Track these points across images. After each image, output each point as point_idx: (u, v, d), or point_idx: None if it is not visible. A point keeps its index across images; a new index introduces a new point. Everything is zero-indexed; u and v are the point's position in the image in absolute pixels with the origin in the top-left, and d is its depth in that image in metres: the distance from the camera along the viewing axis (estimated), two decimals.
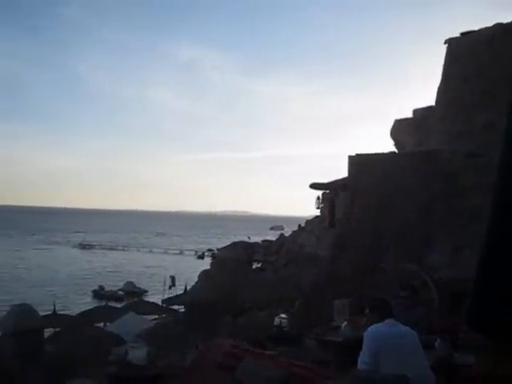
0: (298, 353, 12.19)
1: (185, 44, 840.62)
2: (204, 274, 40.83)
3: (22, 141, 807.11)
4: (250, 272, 44.30)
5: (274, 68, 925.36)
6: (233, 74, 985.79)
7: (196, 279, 41.60)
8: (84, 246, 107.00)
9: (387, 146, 33.62)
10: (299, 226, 54.33)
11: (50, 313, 28.18)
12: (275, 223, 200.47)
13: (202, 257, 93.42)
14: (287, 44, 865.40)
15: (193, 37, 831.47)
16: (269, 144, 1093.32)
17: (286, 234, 69.54)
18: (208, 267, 51.74)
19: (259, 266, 59.14)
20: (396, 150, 28.32)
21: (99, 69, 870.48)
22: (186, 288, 38.81)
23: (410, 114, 28.56)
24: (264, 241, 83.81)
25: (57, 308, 28.58)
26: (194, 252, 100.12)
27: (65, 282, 60.48)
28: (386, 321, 6.39)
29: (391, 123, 30.17)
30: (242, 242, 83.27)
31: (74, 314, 29.99)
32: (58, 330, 24.47)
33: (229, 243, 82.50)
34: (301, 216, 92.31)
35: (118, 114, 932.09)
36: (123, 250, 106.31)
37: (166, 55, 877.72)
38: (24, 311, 18.94)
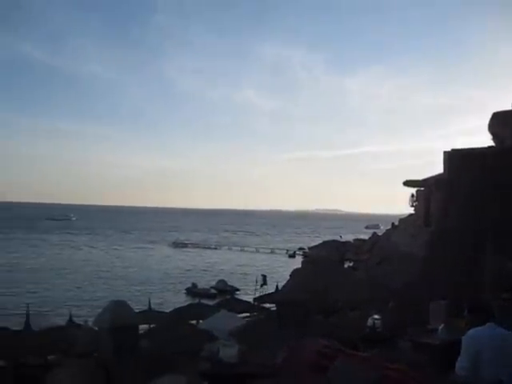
0: (391, 355, 11.79)
1: (272, 44, 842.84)
2: (295, 273, 40.74)
3: (117, 144, 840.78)
4: (342, 271, 43.70)
5: (362, 64, 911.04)
6: (321, 71, 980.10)
7: (287, 278, 41.56)
8: (177, 245, 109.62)
9: (484, 140, 32.15)
10: (392, 224, 53.04)
11: (145, 309, 28.94)
12: (368, 222, 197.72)
13: (293, 256, 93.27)
14: (374, 39, 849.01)
15: (280, 36, 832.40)
16: (360, 141, 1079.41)
17: (380, 233, 68.28)
18: (299, 266, 51.63)
19: (351, 265, 58.42)
20: (494, 144, 27.04)
21: (189, 72, 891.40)
22: (277, 287, 38.81)
23: (509, 107, 27.22)
24: (356, 240, 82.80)
25: (152, 305, 29.25)
26: (285, 251, 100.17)
27: (159, 279, 62.18)
28: (487, 324, 5.96)
29: (489, 116, 28.88)
30: (333, 241, 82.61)
31: (168, 311, 30.60)
32: (152, 326, 25.06)
33: (320, 242, 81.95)
34: (394, 214, 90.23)
35: (208, 116, 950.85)
36: (215, 248, 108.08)
37: (254, 56, 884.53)
38: (120, 308, 19.46)
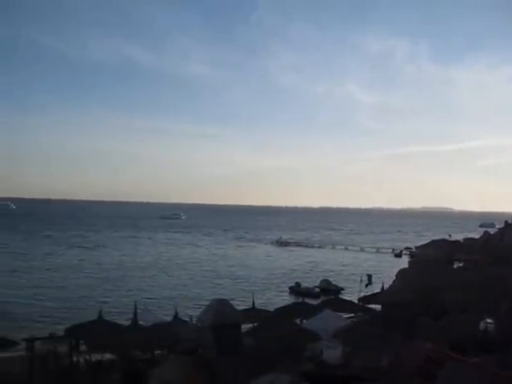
0: (504, 361, 10.98)
1: (374, 35, 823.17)
2: (402, 273, 39.59)
3: (220, 143, 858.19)
4: (451, 271, 41.96)
5: (469, 53, 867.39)
6: (425, 62, 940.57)
7: (393, 278, 40.45)
8: (280, 244, 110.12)
9: None
10: (506, 222, 50.43)
11: (248, 308, 29.05)
12: (482, 220, 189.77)
13: (399, 255, 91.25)
14: (479, 25, 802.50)
15: (382, 27, 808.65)
16: (469, 135, 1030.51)
17: (492, 232, 65.19)
18: (406, 266, 50.17)
19: (461, 265, 56.03)
20: None
21: (290, 68, 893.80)
22: (382, 287, 37.80)
23: None
24: (466, 239, 79.38)
25: (255, 304, 29.32)
26: (390, 250, 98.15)
27: (262, 278, 62.61)
28: None
29: None
30: (442, 240, 79.62)
31: (271, 310, 30.56)
32: (255, 324, 25.06)
33: (428, 241, 79.38)
34: (510, 212, 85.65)
35: (310, 111, 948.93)
36: (319, 247, 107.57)
37: (355, 48, 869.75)
38: (222, 306, 19.59)
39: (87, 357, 23.66)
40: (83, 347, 24.76)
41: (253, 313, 27.42)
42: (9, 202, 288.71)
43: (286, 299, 45.59)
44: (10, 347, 23.12)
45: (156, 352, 22.07)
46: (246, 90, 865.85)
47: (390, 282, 38.87)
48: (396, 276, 40.14)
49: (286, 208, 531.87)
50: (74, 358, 22.61)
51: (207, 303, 21.86)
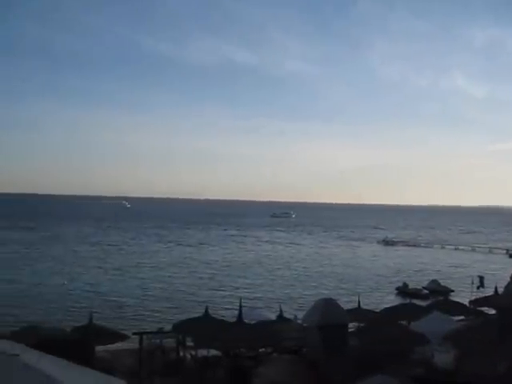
0: None
1: (482, 25, 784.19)
2: None
3: (320, 139, 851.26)
4: None
5: None
6: None
7: (507, 280, 38.35)
8: (387, 243, 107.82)
9: None
10: None
11: (354, 308, 28.51)
12: None
13: None
14: None
15: (490, 15, 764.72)
16: None
17: None
18: None
19: None
20: None
21: (393, 60, 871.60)
22: (496, 289, 35.96)
23: None
24: None
25: (361, 304, 28.73)
26: (504, 251, 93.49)
27: (368, 278, 61.46)
28: None
29: None
30: None
31: (378, 310, 29.85)
32: (362, 325, 24.51)
33: None
34: None
35: (413, 104, 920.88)
36: (426, 246, 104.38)
37: (462, 39, 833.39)
38: (329, 306, 19.31)
39: (193, 352, 24.13)
40: (190, 343, 25.30)
41: (358, 313, 26.84)
42: (124, 202, 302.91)
43: (393, 300, 44.44)
44: (121, 340, 24.03)
45: (261, 350, 22.08)
46: (345, 84, 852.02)
47: (504, 285, 36.88)
48: (511, 278, 37.97)
49: (390, 206, 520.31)
50: (181, 353, 23.11)
51: (311, 303, 21.63)
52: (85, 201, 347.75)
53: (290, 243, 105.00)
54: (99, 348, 23.48)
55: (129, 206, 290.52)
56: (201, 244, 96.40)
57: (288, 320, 26.49)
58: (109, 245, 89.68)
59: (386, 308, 30.10)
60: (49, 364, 5.19)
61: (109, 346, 24.40)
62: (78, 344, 19.71)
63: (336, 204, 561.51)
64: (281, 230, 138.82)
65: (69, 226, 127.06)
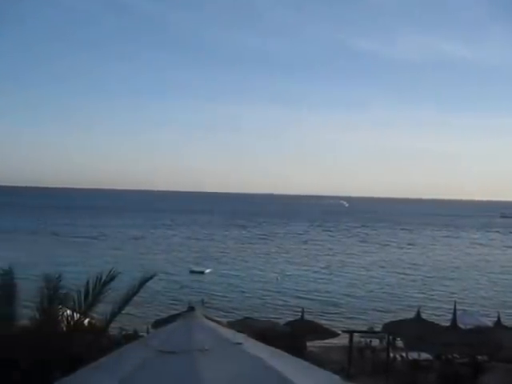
0: None
1: None
2: None
3: None
4: None
5: None
6: None
7: None
8: None
9: None
10: None
11: None
12: None
13: None
14: None
15: None
16: None
17: None
18: None
19: None
20: None
21: None
22: None
23: None
24: None
25: None
26: None
27: None
28: None
29: None
30: None
31: None
32: None
33: None
34: None
35: None
36: None
37: None
38: None
39: (403, 354, 23.75)
40: (400, 344, 24.96)
41: None
42: (341, 201, 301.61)
43: None
44: (332, 337, 24.55)
45: (478, 357, 20.97)
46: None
47: None
48: None
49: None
50: (391, 354, 22.86)
51: None
52: (308, 200, 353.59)
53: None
54: (309, 343, 24.22)
55: (347, 205, 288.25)
56: (409, 245, 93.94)
57: (506, 328, 24.86)
58: (317, 244, 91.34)
59: None
60: (269, 354, 5.49)
61: (319, 341, 25.10)
62: (290, 337, 20.50)
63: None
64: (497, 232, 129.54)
65: (283, 225, 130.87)
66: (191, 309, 5.86)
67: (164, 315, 28.51)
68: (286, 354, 5.90)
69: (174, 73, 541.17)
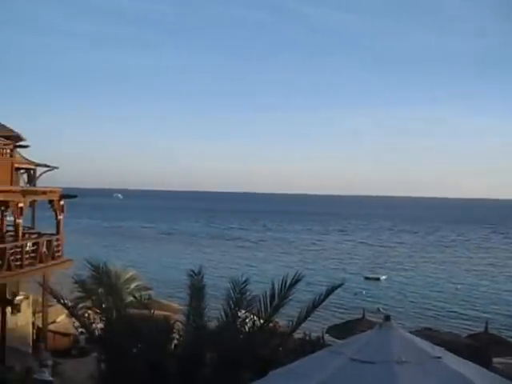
0: None
1: None
2: None
3: None
4: None
5: None
6: None
7: None
8: None
9: None
10: None
11: None
12: None
13: None
14: None
15: None
16: None
17: None
18: None
19: None
20: None
21: None
22: None
23: None
24: None
25: None
26: None
27: None
28: None
29: None
30: None
31: None
32: None
33: None
34: None
35: None
36: None
37: None
38: None
39: None
40: None
41: None
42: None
43: None
44: None
45: None
46: None
47: None
48: None
49: None
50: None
51: None
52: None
53: None
54: (494, 358, 22.68)
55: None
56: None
57: None
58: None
59: None
60: (469, 370, 5.20)
61: (504, 356, 23.44)
62: (473, 351, 19.40)
63: None
64: None
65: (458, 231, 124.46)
66: (387, 318, 5.69)
67: (336, 321, 28.52)
68: (486, 370, 5.56)
69: None
